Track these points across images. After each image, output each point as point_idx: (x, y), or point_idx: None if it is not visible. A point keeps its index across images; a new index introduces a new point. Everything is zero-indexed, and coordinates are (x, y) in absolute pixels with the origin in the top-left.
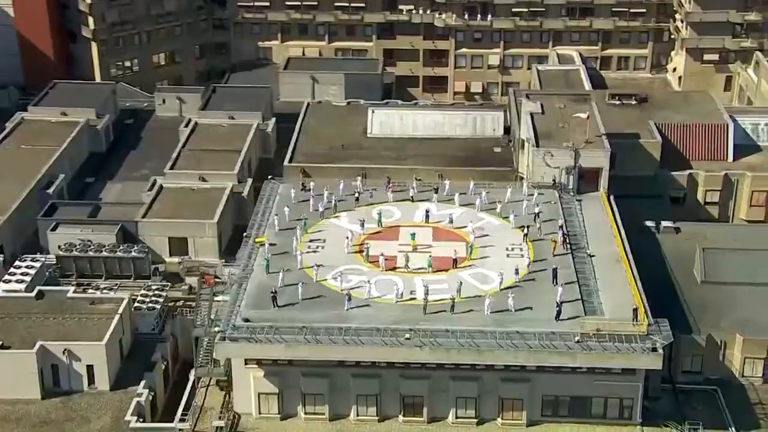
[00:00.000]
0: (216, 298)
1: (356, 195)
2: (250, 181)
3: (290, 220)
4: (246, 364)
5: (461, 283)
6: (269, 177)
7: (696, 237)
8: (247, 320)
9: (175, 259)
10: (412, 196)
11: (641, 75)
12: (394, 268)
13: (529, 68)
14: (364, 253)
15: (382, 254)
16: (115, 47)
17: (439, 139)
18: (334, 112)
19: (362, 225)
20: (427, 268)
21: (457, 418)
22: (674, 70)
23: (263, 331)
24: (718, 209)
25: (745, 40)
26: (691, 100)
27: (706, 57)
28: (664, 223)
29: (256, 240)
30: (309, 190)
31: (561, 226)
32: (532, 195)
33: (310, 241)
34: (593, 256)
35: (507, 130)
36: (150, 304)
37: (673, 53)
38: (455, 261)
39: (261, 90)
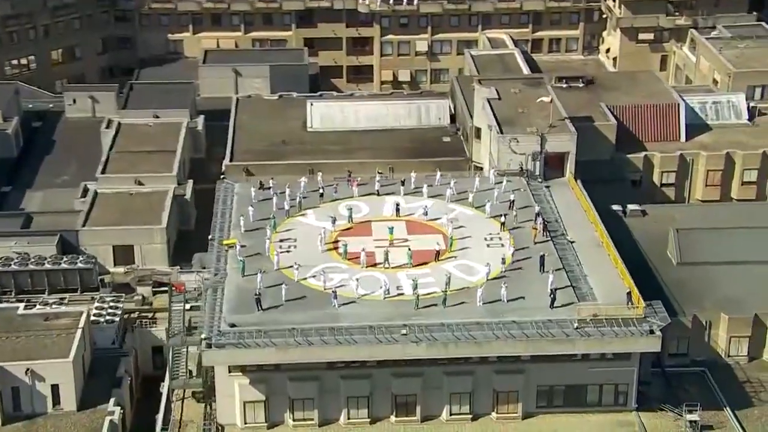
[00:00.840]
0: (186, 306)
1: (320, 191)
2: (190, 182)
3: (254, 221)
4: (230, 372)
5: (450, 275)
6: (221, 177)
7: (664, 219)
8: (233, 325)
9: (121, 269)
10: (377, 190)
11: (574, 57)
12: (375, 265)
13: (459, 53)
14: (341, 251)
15: (363, 250)
16: (10, 43)
17: (385, 131)
18: (267, 106)
19: (333, 222)
20: (407, 262)
21: (451, 415)
22: (608, 51)
23: (251, 336)
24: (674, 191)
25: (678, 18)
26: (638, 80)
27: (641, 36)
28: (630, 207)
29: (224, 242)
30: (268, 188)
31: (538, 214)
32: (501, 183)
33: (281, 240)
34: (573, 242)
35: (452, 118)
36: (108, 317)
37: (605, 33)
38: (437, 253)
39: (183, 86)
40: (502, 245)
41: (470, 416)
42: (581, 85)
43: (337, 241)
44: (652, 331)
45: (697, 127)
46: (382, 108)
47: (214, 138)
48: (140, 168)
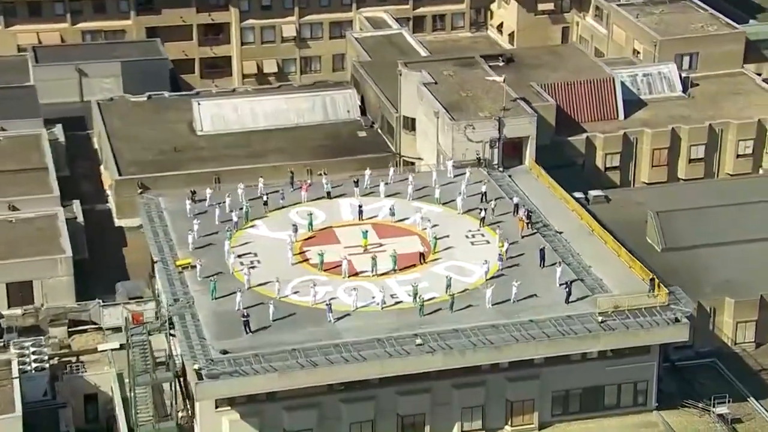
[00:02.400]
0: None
1: (264, 199)
2: (77, 203)
3: (200, 237)
4: (217, 407)
5: (450, 278)
6: (140, 191)
7: (630, 204)
8: (225, 352)
9: (18, 310)
10: (328, 192)
11: (461, 35)
12: (357, 274)
13: (332, 37)
14: (315, 261)
15: (346, 258)
16: None
17: (289, 129)
18: (138, 109)
19: (295, 231)
20: (392, 267)
21: (462, 431)
22: (500, 26)
23: (248, 362)
24: (619, 174)
25: None
26: (561, 55)
27: (541, 7)
28: (592, 193)
29: (178, 263)
30: (202, 200)
31: (517, 205)
32: (462, 175)
33: (239, 256)
34: (561, 232)
35: (362, 110)
36: (35, 365)
37: (494, 6)
38: (422, 256)
39: (22, 90)
40: (488, 242)
41: (483, 431)
42: (501, 63)
43: (303, 252)
44: (677, 320)
45: (631, 103)
46: (281, 103)
47: (71, 150)
48: (10, 191)
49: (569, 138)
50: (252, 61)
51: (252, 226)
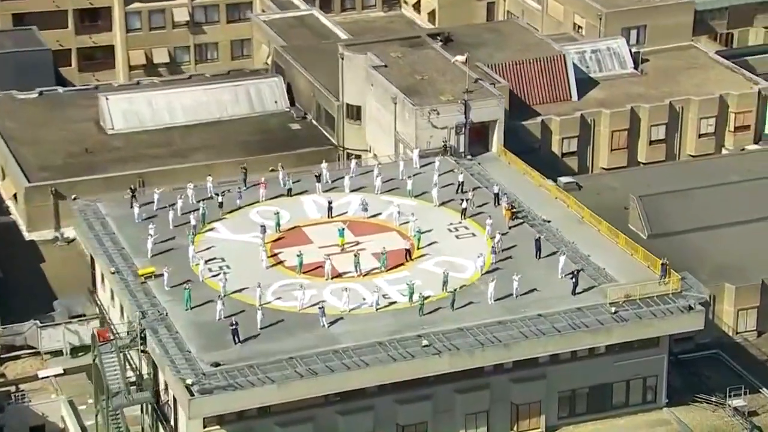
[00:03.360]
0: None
1: (219, 200)
2: None
3: (156, 243)
4: (205, 426)
5: (447, 273)
6: (73, 197)
7: (604, 190)
8: (217, 364)
9: None
10: (289, 189)
11: (374, 14)
12: (340, 275)
13: (230, 21)
14: (292, 263)
15: (329, 258)
16: None
17: (212, 124)
18: (30, 107)
19: (264, 232)
20: (381, 266)
21: None
22: (416, 4)
23: (243, 374)
24: (577, 160)
25: None
26: (503, 32)
27: None
28: (562, 180)
29: (140, 273)
30: (150, 202)
31: (498, 194)
32: (431, 164)
33: (205, 262)
34: (549, 221)
35: (291, 100)
36: None
37: None
38: (408, 252)
39: None
40: (473, 234)
41: None
42: (440, 43)
43: (276, 254)
44: (691, 307)
45: (582, 82)
46: (200, 95)
47: None
48: None
49: (523, 122)
50: (139, 50)
51: (211, 230)
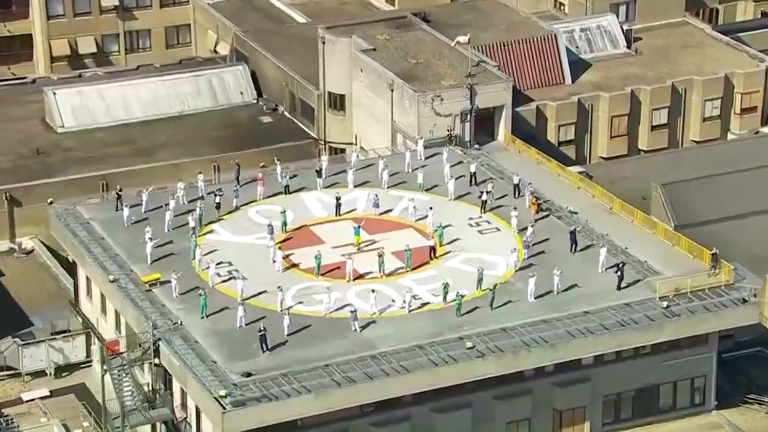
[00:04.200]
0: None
1: (216, 200)
2: None
3: (155, 247)
4: None
5: (482, 270)
6: (49, 201)
7: (617, 179)
8: (248, 374)
9: None
10: (286, 186)
11: None
12: (362, 276)
13: (164, 5)
14: (308, 266)
15: (350, 258)
16: None
17: (174, 119)
18: None
19: (271, 232)
20: (405, 266)
21: None
22: None
23: (278, 383)
24: (574, 149)
25: None
26: (485, 11)
27: None
28: (571, 170)
29: (144, 280)
30: (138, 204)
31: (518, 185)
32: (438, 155)
33: (216, 265)
34: (576, 212)
35: (259, 91)
36: None
37: None
38: (432, 250)
39: None
40: (497, 229)
41: None
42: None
43: (287, 256)
44: (744, 300)
45: (574, 64)
46: (159, 87)
47: None
48: None
49: (517, 108)
50: (62, 39)
51: (210, 232)
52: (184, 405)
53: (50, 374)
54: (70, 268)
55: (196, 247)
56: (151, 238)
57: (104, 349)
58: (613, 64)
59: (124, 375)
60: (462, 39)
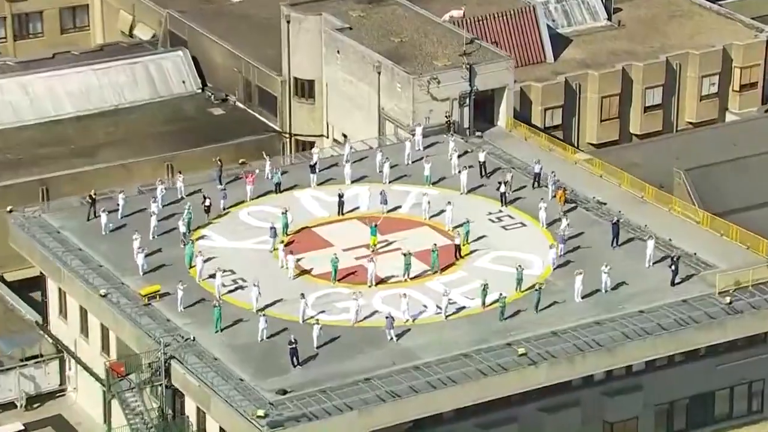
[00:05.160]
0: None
1: (205, 202)
2: None
3: (145, 256)
4: None
5: (521, 269)
6: (9, 209)
7: (628, 166)
8: (284, 392)
9: None
10: (277, 184)
11: None
12: (383, 281)
13: None
14: (321, 270)
15: (372, 260)
16: None
17: (110, 113)
18: None
19: (274, 235)
20: (432, 267)
21: None
22: None
23: (318, 400)
24: (562, 134)
25: None
26: None
27: None
28: (578, 158)
29: (143, 293)
30: (115, 210)
31: (538, 174)
32: (434, 145)
33: (211, 276)
34: (605, 203)
35: (203, 79)
36: None
37: None
38: (457, 249)
39: None
40: (522, 224)
41: None
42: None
43: (298, 261)
44: None
45: (553, 39)
46: (90, 78)
47: None
48: None
49: None
50: None
51: (201, 238)
52: (203, 430)
53: (21, 406)
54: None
55: (194, 255)
56: (141, 248)
57: (109, 371)
58: (595, 38)
59: (132, 399)
60: (456, 13)
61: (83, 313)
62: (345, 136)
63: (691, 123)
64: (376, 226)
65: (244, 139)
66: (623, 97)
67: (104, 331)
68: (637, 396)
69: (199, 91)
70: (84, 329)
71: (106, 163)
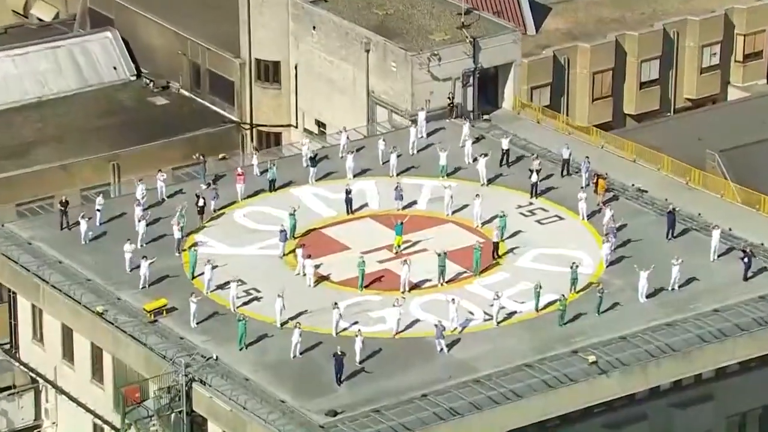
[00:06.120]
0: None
1: (199, 203)
2: None
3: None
4: None
5: (577, 267)
6: None
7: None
8: (334, 413)
9: None
10: (272, 181)
11: None
12: (416, 286)
13: None
14: (344, 277)
15: (406, 262)
16: None
17: (35, 106)
18: None
19: (285, 239)
20: (474, 270)
21: None
22: None
23: (374, 420)
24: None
25: None
26: None
27: None
28: None
29: (148, 308)
30: (87, 218)
31: (567, 161)
32: (440, 131)
33: (219, 287)
34: (646, 191)
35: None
36: None
37: None
38: (496, 247)
39: None
40: (558, 217)
41: None
42: None
43: (318, 268)
44: None
45: (533, 6)
46: (6, 66)
47: None
48: None
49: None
50: None
51: (196, 244)
52: None
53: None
54: None
55: (196, 263)
56: (146, 257)
57: (123, 399)
58: (577, 5)
59: (152, 427)
60: None
61: (67, 335)
62: (321, 124)
63: (689, 100)
64: (402, 223)
65: (197, 132)
66: (616, 73)
67: (96, 355)
68: (708, 407)
69: (134, 78)
70: (68, 354)
71: (40, 164)
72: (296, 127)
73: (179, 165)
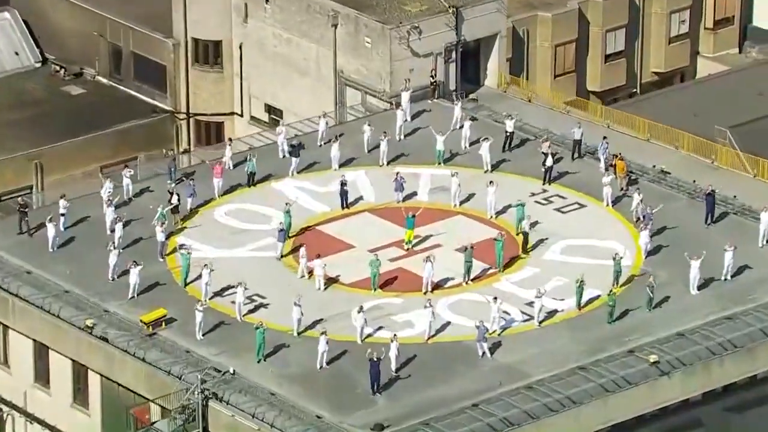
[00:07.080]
0: None
1: (173, 200)
2: None
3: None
4: None
5: (620, 259)
6: None
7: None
8: (381, 427)
9: None
10: (251, 174)
11: None
12: (438, 287)
13: None
14: (356, 278)
15: (428, 261)
16: None
17: None
18: None
19: (284, 239)
20: (497, 264)
21: None
22: None
23: None
24: None
25: None
26: None
27: None
28: None
29: (145, 319)
30: (60, 216)
31: (579, 141)
32: (425, 113)
33: (217, 294)
34: (669, 172)
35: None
36: None
37: None
38: (526, 239)
39: None
40: (579, 205)
41: None
42: None
43: (310, 270)
44: None
45: None
46: None
47: None
48: None
49: None
50: None
51: (182, 247)
52: None
53: None
54: None
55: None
56: (136, 263)
57: (135, 421)
58: None
59: None
60: None
61: (41, 355)
62: (272, 111)
63: (656, 73)
64: (414, 216)
65: (126, 124)
66: (578, 45)
67: (79, 376)
68: (764, 411)
69: (39, 64)
70: (41, 377)
71: None
72: (241, 115)
73: (109, 163)
